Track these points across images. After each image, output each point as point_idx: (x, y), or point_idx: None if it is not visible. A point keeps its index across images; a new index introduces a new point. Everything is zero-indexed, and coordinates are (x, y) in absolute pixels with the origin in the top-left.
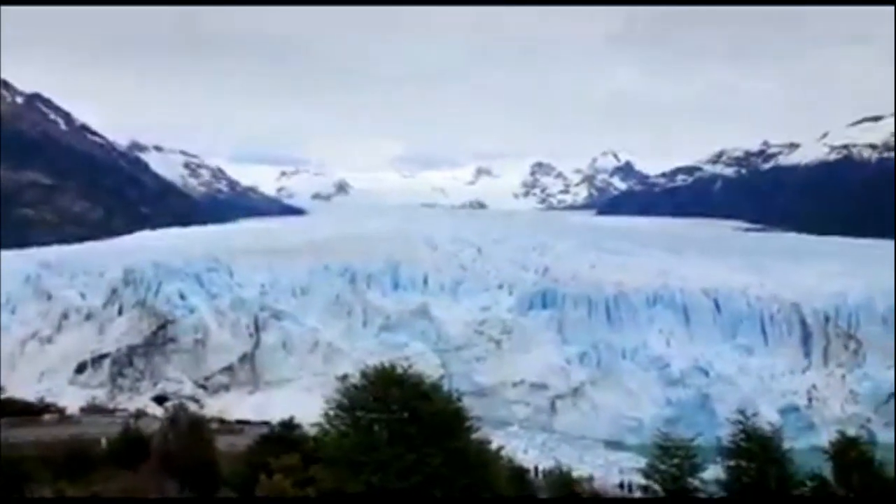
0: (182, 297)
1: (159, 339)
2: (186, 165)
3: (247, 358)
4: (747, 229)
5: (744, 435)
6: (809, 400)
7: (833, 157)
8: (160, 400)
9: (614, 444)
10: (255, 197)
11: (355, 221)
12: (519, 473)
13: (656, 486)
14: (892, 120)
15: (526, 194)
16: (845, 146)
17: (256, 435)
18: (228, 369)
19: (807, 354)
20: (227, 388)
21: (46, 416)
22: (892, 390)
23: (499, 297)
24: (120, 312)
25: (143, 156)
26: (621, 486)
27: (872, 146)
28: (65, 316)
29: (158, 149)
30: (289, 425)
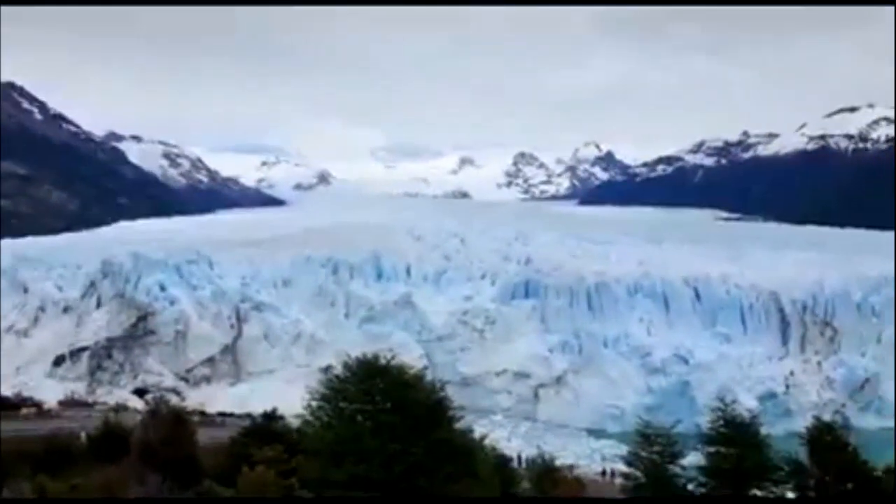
0: (162, 288)
1: (139, 331)
2: (166, 156)
3: (228, 350)
4: (727, 218)
5: (723, 421)
6: (787, 387)
7: (811, 147)
8: (140, 393)
9: (596, 432)
10: (236, 187)
11: (337, 212)
12: (502, 462)
13: (638, 473)
14: (868, 111)
15: (509, 184)
16: (822, 136)
17: (238, 427)
18: (210, 361)
19: (784, 342)
20: (208, 380)
21: (24, 411)
22: (866, 376)
23: (482, 287)
24: (98, 305)
25: (121, 146)
26: (603, 473)
27: (848, 136)
28: (42, 309)
29: (137, 139)
30: (271, 417)
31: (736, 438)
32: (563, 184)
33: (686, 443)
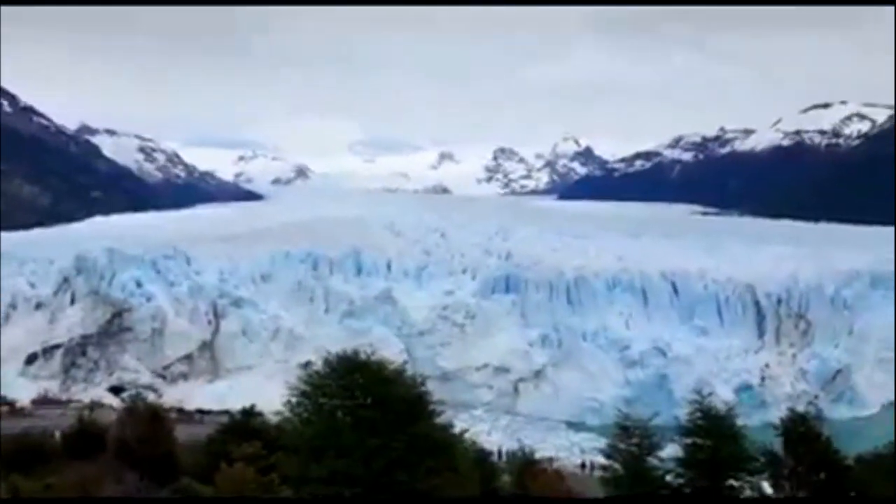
0: (138, 284)
1: (114, 327)
2: (141, 150)
3: (206, 346)
4: (704, 213)
5: (700, 413)
6: (762, 379)
7: (786, 142)
8: (116, 390)
9: (576, 425)
10: (213, 182)
11: (316, 206)
12: (483, 456)
13: (616, 465)
14: (840, 107)
15: (489, 179)
16: (797, 132)
17: (217, 424)
18: (187, 358)
19: (760, 335)
20: (185, 376)
21: None
22: (838, 368)
23: (462, 281)
24: (72, 301)
25: (95, 139)
26: (583, 465)
27: (822, 132)
28: (13, 306)
29: (111, 132)
30: (250, 413)
31: (712, 430)
32: (543, 179)
33: (664, 435)
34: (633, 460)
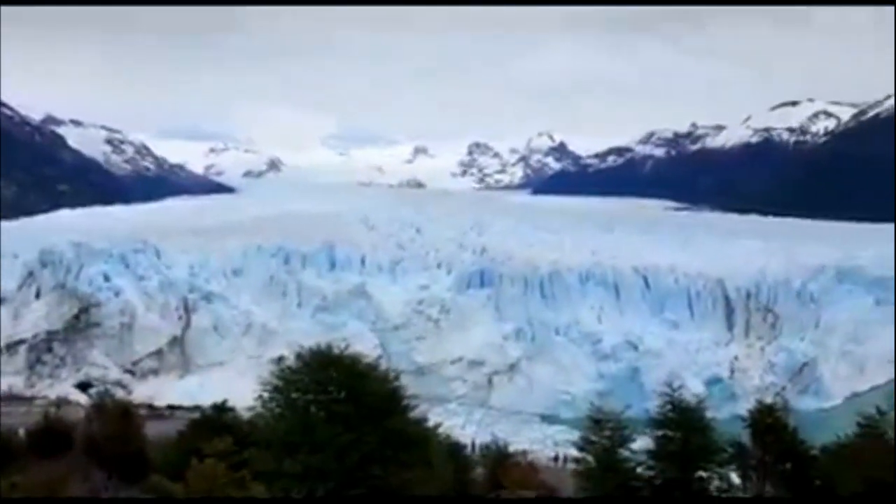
0: (106, 278)
1: (81, 323)
2: (108, 141)
3: (176, 341)
4: (676, 208)
5: (671, 406)
6: (732, 371)
7: (755, 139)
8: (84, 386)
9: (549, 418)
10: (183, 174)
11: (289, 200)
12: (456, 449)
13: (589, 458)
14: (808, 105)
15: (463, 174)
16: (766, 129)
17: (188, 420)
18: (157, 353)
19: (730, 328)
20: (156, 372)
21: None
22: (805, 360)
23: (437, 276)
24: (37, 296)
25: (60, 130)
26: (556, 458)
27: (790, 130)
28: None
29: (77, 123)
30: (222, 409)
31: (683, 422)
32: (517, 174)
33: (636, 427)
34: (605, 452)
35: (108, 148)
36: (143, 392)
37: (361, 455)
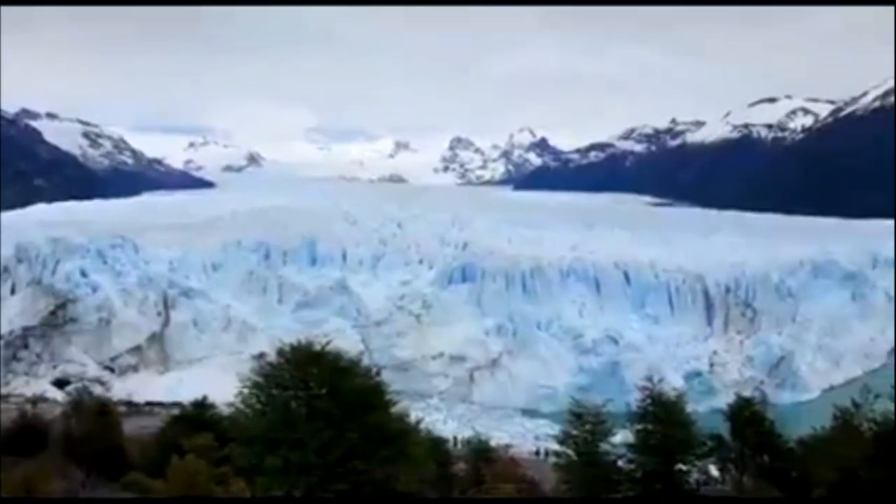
0: (83, 274)
1: (58, 319)
2: (85, 135)
3: (156, 337)
4: (656, 204)
5: (651, 400)
6: (711, 365)
7: (734, 135)
8: (61, 384)
9: (530, 412)
10: (162, 169)
11: (269, 195)
12: (438, 444)
13: (570, 452)
14: (786, 102)
15: (445, 169)
16: (745, 125)
17: (167, 416)
18: (136, 349)
19: (709, 323)
20: (135, 368)
21: None
22: (782, 354)
23: (419, 271)
24: (12, 292)
25: (36, 124)
26: (537, 452)
27: (768, 126)
28: None
29: (52, 116)
30: (202, 405)
31: (663, 416)
32: (499, 169)
33: (616, 421)
34: (585, 446)
35: (84, 142)
36: (122, 389)
37: (343, 451)
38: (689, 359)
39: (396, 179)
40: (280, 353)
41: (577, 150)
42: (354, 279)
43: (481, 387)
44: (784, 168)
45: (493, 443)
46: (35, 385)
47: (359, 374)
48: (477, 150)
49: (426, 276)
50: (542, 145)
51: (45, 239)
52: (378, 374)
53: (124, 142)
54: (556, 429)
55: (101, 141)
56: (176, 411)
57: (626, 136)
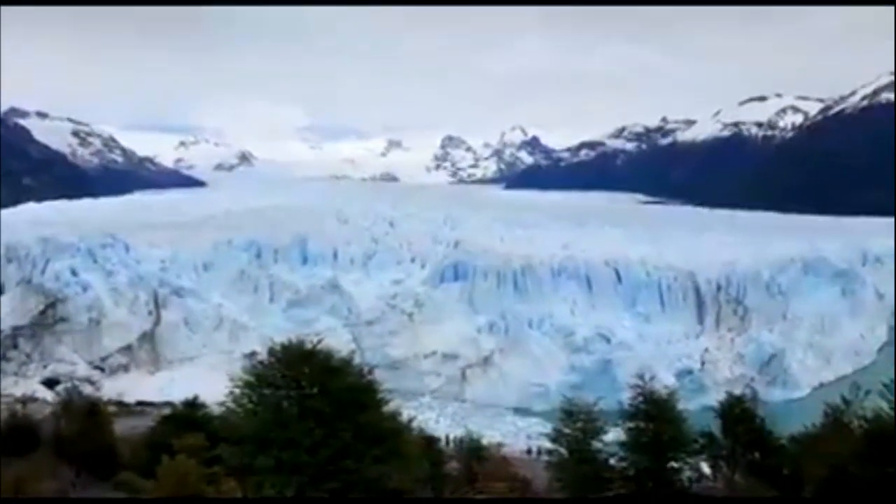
0: (74, 273)
1: (48, 318)
2: (75, 134)
3: (147, 337)
4: (647, 202)
5: (642, 398)
6: (702, 363)
7: (725, 133)
8: (51, 383)
9: (522, 411)
10: (153, 168)
11: (260, 194)
12: (430, 442)
13: (562, 450)
14: (776, 100)
15: (437, 167)
16: (735, 124)
17: (158, 416)
18: (127, 349)
19: (700, 321)
20: (126, 368)
21: None
22: (773, 352)
23: (411, 270)
24: (2, 291)
25: (25, 123)
26: (529, 451)
27: (759, 124)
28: None
29: (42, 115)
30: (193, 405)
31: (655, 414)
32: (490, 168)
33: (608, 419)
34: (577, 444)
35: (74, 140)
36: (113, 388)
37: (335, 450)
38: (681, 356)
39: (388, 178)
40: (271, 352)
41: (569, 149)
42: (346, 278)
43: (473, 385)
44: (775, 166)
45: (485, 441)
46: (25, 385)
47: (350, 372)
48: (469, 149)
49: (418, 275)
50: (533, 144)
51: (34, 238)
52: (370, 372)
53: (114, 140)
54: (548, 427)
55: (91, 139)
56: (167, 411)
57: (618, 135)
